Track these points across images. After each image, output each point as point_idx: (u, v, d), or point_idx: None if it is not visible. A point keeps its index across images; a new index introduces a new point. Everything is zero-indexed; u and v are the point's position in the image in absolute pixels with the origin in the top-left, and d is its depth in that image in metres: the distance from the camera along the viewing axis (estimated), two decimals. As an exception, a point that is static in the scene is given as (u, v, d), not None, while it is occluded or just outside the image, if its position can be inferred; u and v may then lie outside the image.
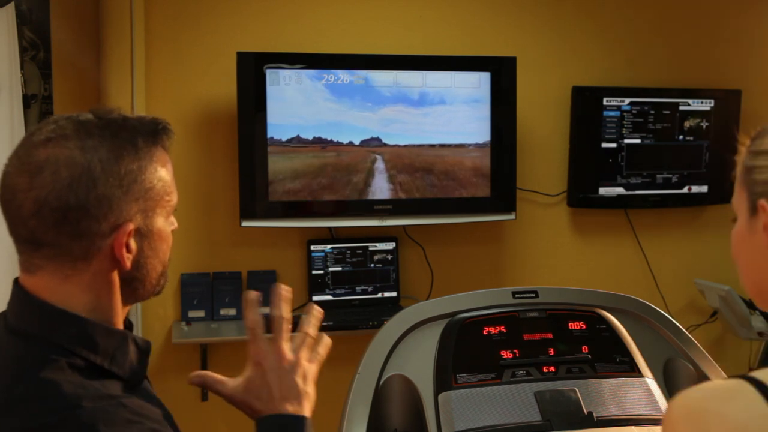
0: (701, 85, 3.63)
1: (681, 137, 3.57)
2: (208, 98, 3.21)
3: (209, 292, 3.24)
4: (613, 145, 3.51)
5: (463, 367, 1.74)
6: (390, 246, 3.37)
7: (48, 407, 0.91)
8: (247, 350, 1.10)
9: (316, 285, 3.29)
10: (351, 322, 3.07)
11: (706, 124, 3.59)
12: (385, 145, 3.23)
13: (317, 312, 1.15)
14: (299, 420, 1.08)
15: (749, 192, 0.91)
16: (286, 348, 1.10)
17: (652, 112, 3.53)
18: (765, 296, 0.91)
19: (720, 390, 0.78)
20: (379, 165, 3.23)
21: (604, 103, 3.49)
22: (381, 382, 1.72)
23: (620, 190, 3.54)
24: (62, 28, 2.90)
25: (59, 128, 0.98)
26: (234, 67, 3.06)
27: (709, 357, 1.87)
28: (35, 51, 2.72)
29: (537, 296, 1.91)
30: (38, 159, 0.96)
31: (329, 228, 3.33)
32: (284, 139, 3.13)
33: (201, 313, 3.23)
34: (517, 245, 3.58)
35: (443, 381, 1.72)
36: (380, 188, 3.24)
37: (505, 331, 1.82)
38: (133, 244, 1.00)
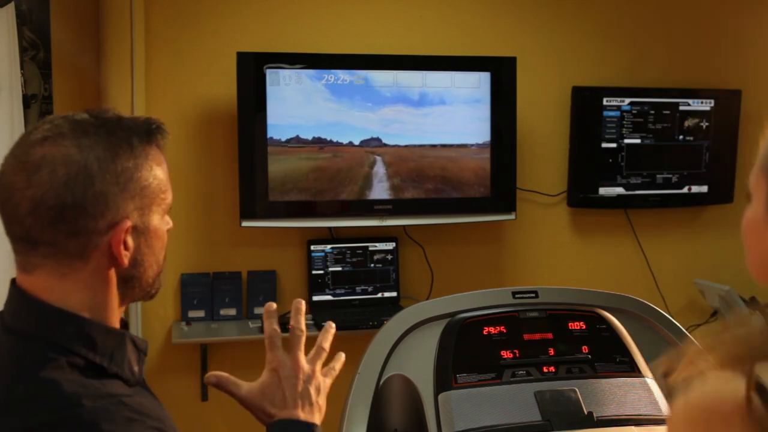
0: (701, 85, 3.62)
1: (681, 137, 3.57)
2: (208, 98, 3.21)
3: (209, 292, 3.24)
4: (613, 145, 3.51)
5: (463, 367, 1.74)
6: (390, 246, 3.37)
7: (48, 406, 0.91)
8: (265, 357, 1.14)
9: (316, 285, 3.29)
10: (351, 322, 3.07)
11: (706, 124, 3.59)
12: (386, 145, 3.23)
13: (332, 328, 1.19)
14: (309, 427, 1.11)
15: None
16: (303, 359, 1.14)
17: (652, 112, 3.53)
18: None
19: (722, 392, 0.78)
20: (379, 165, 3.23)
21: (604, 103, 3.49)
22: (381, 382, 1.72)
23: (620, 190, 3.54)
24: (62, 28, 2.90)
25: (55, 127, 0.99)
26: (234, 67, 3.06)
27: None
28: (35, 51, 2.72)
29: (537, 296, 1.91)
30: (35, 157, 0.96)
31: (329, 228, 3.33)
32: (284, 139, 3.13)
33: (201, 313, 3.22)
34: (517, 245, 3.58)
35: (443, 381, 1.72)
36: (380, 188, 3.24)
37: (505, 331, 1.82)
38: (130, 241, 1.01)
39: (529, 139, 3.50)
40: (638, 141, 3.53)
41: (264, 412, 1.11)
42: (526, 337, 1.82)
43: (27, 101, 2.58)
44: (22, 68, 2.52)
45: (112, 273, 1.01)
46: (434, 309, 1.85)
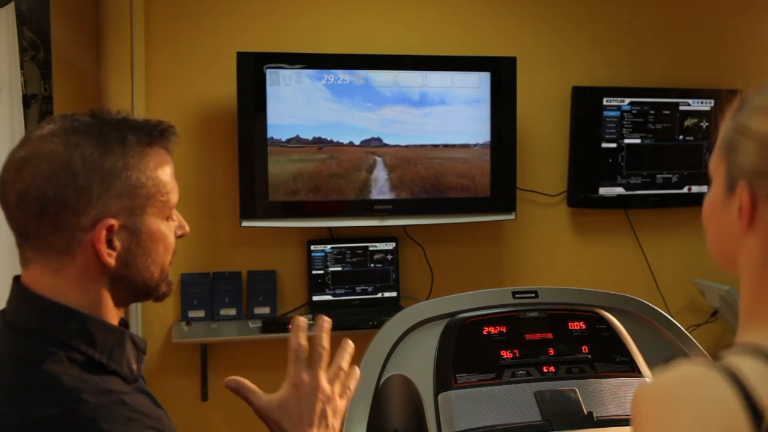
0: (701, 85, 3.62)
1: (681, 137, 3.57)
2: (208, 98, 3.21)
3: (209, 292, 3.24)
4: (613, 145, 3.51)
5: (463, 367, 1.74)
6: (390, 246, 3.37)
7: (48, 400, 0.92)
8: (287, 372, 1.13)
9: (316, 285, 3.29)
10: (351, 322, 3.07)
11: (706, 124, 3.58)
12: (386, 145, 3.23)
13: (350, 347, 1.19)
14: None
15: (729, 168, 0.87)
16: (323, 379, 1.14)
17: (652, 112, 3.53)
18: (729, 264, 0.91)
19: (688, 377, 0.77)
20: (379, 165, 3.23)
21: (604, 103, 3.49)
22: (381, 382, 1.72)
23: (620, 190, 3.54)
24: (62, 28, 2.90)
25: (53, 125, 1.02)
26: (234, 67, 3.06)
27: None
28: (35, 51, 2.72)
29: (537, 296, 1.91)
30: (25, 153, 1.00)
31: (329, 228, 3.33)
32: (284, 139, 3.13)
33: (201, 313, 3.22)
34: (517, 245, 3.58)
35: (443, 381, 1.72)
36: (380, 188, 3.24)
37: (505, 331, 1.82)
38: (117, 241, 1.01)
39: (529, 139, 3.50)
40: (638, 141, 3.53)
41: (279, 426, 1.11)
42: (526, 337, 1.82)
43: (27, 101, 2.58)
44: (22, 68, 2.52)
45: (101, 272, 1.01)
46: (434, 309, 1.85)
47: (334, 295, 3.31)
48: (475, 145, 3.32)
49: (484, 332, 1.81)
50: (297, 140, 3.14)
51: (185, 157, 3.17)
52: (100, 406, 0.92)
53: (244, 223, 3.11)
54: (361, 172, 3.21)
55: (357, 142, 3.21)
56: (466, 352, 1.77)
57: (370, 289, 3.35)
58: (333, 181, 3.19)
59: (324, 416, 1.12)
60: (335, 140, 3.18)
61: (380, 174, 3.23)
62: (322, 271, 3.30)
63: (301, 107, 3.14)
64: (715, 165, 0.91)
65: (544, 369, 1.78)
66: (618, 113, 3.50)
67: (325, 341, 1.15)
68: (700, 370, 0.76)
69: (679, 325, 1.94)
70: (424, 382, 1.73)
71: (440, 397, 1.69)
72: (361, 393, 1.68)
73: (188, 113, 3.19)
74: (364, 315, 3.18)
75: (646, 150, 3.54)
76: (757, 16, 3.74)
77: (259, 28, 3.25)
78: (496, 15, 3.48)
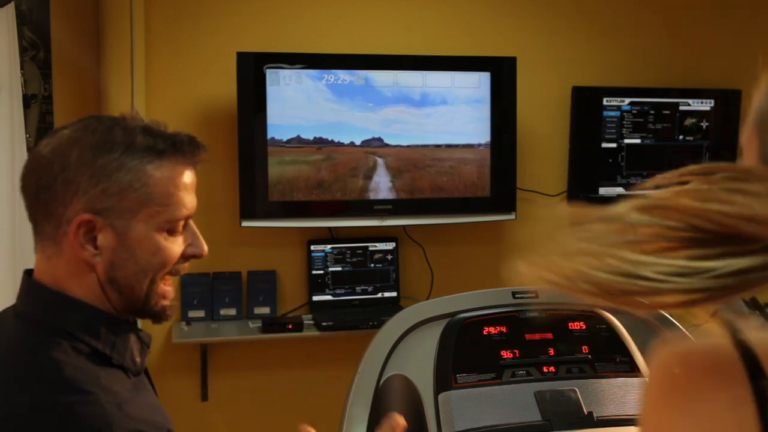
0: (701, 85, 3.62)
1: (681, 137, 3.57)
2: (208, 98, 3.21)
3: (209, 292, 3.24)
4: (613, 145, 3.51)
5: (463, 367, 1.74)
6: (390, 246, 3.37)
7: (49, 389, 0.93)
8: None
9: (316, 285, 3.29)
10: (351, 322, 3.07)
11: (706, 124, 3.59)
12: (387, 145, 3.23)
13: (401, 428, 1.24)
14: None
15: (762, 146, 0.83)
16: None
17: (652, 112, 3.53)
18: None
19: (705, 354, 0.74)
20: (380, 165, 3.23)
21: (604, 103, 3.49)
22: (381, 382, 1.72)
23: (620, 190, 3.54)
24: (62, 28, 2.90)
25: (82, 122, 1.06)
26: (234, 67, 3.06)
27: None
28: (35, 51, 2.72)
29: (537, 296, 1.91)
30: (38, 147, 1.05)
31: (329, 228, 3.33)
32: (284, 139, 3.13)
33: (201, 313, 3.22)
34: (517, 245, 3.57)
35: (443, 381, 1.72)
36: (380, 188, 3.24)
37: (505, 331, 1.82)
38: (102, 239, 1.01)
39: (529, 139, 3.50)
40: (638, 141, 3.53)
41: None
42: (526, 337, 1.82)
43: (27, 101, 2.58)
44: (22, 68, 2.52)
45: (88, 267, 1.02)
46: (434, 309, 1.85)
47: (334, 295, 3.31)
48: (476, 145, 3.32)
49: (484, 332, 1.81)
50: (297, 140, 3.14)
51: (185, 157, 3.17)
52: (98, 411, 0.93)
53: (244, 223, 3.11)
54: (361, 172, 3.21)
55: (357, 143, 3.21)
56: (466, 352, 1.77)
57: (370, 289, 3.34)
58: (333, 181, 3.19)
59: None
60: (336, 140, 3.18)
61: (380, 174, 3.23)
62: (322, 271, 3.30)
63: (301, 107, 3.14)
64: (748, 138, 0.89)
65: (544, 369, 1.78)
66: (618, 113, 3.50)
67: None
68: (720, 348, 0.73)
69: (679, 325, 1.94)
70: (424, 382, 1.73)
71: (440, 397, 1.69)
72: (361, 393, 1.68)
73: (188, 113, 3.19)
74: (364, 315, 3.18)
75: (646, 150, 3.54)
76: (757, 16, 3.74)
77: (259, 28, 3.25)
78: (496, 15, 3.48)
